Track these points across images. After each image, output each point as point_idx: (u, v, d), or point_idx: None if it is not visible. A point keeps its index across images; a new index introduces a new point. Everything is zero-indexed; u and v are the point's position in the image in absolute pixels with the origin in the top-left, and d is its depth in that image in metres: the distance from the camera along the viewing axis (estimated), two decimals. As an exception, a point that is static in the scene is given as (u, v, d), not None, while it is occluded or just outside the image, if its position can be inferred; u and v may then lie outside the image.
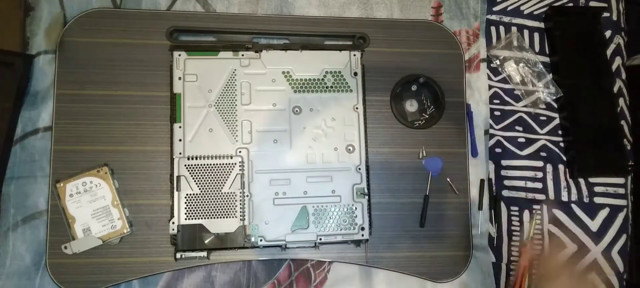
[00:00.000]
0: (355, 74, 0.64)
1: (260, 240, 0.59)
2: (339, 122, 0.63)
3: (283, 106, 0.63)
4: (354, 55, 0.65)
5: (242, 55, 0.63)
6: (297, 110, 0.63)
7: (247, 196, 0.60)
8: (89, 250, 0.59)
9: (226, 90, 0.62)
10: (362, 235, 0.60)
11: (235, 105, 0.62)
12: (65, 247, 0.58)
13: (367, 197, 0.61)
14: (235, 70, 0.62)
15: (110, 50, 0.63)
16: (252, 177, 0.60)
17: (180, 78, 0.61)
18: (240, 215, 0.59)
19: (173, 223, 0.58)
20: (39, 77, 0.63)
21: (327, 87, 0.64)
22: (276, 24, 0.67)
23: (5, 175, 0.61)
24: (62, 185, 0.59)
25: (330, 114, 0.63)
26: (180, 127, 0.60)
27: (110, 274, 0.59)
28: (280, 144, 0.62)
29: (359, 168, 0.62)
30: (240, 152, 0.61)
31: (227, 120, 0.61)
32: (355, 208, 0.61)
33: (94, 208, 0.59)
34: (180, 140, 0.60)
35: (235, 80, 0.62)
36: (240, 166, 0.60)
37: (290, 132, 0.62)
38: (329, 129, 0.63)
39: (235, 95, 0.62)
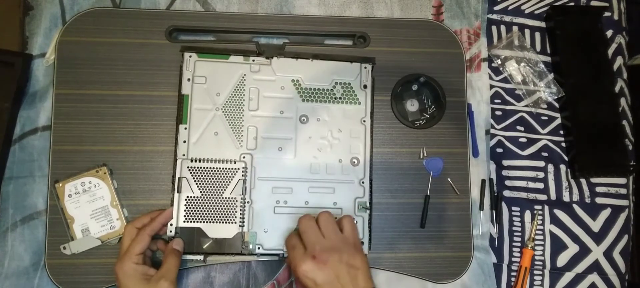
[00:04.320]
0: (365, 86, 0.63)
1: (258, 248, 0.58)
2: (345, 133, 0.62)
3: (290, 114, 0.62)
4: (365, 67, 0.63)
5: (253, 60, 0.62)
6: (304, 119, 0.62)
7: (248, 202, 0.59)
8: (88, 250, 0.59)
9: (234, 94, 0.61)
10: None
11: (243, 110, 0.61)
12: (64, 248, 0.58)
13: (368, 212, 0.61)
14: (244, 75, 0.62)
15: (109, 50, 0.63)
16: (254, 184, 0.60)
17: (189, 79, 0.60)
18: (240, 222, 0.58)
19: (171, 224, 0.57)
20: (37, 76, 0.63)
21: (335, 98, 0.63)
22: (276, 23, 0.67)
23: (4, 174, 0.61)
24: (61, 185, 0.59)
25: (337, 125, 0.62)
26: (185, 128, 0.59)
27: (109, 274, 0.59)
28: (285, 152, 0.61)
29: (363, 182, 0.61)
30: (244, 157, 0.60)
31: (233, 125, 0.61)
32: (356, 222, 0.60)
33: (92, 208, 0.59)
34: (184, 141, 0.59)
35: (244, 85, 0.62)
36: (243, 172, 0.59)
37: (296, 140, 0.61)
38: (334, 140, 0.62)
39: (243, 100, 0.61)
